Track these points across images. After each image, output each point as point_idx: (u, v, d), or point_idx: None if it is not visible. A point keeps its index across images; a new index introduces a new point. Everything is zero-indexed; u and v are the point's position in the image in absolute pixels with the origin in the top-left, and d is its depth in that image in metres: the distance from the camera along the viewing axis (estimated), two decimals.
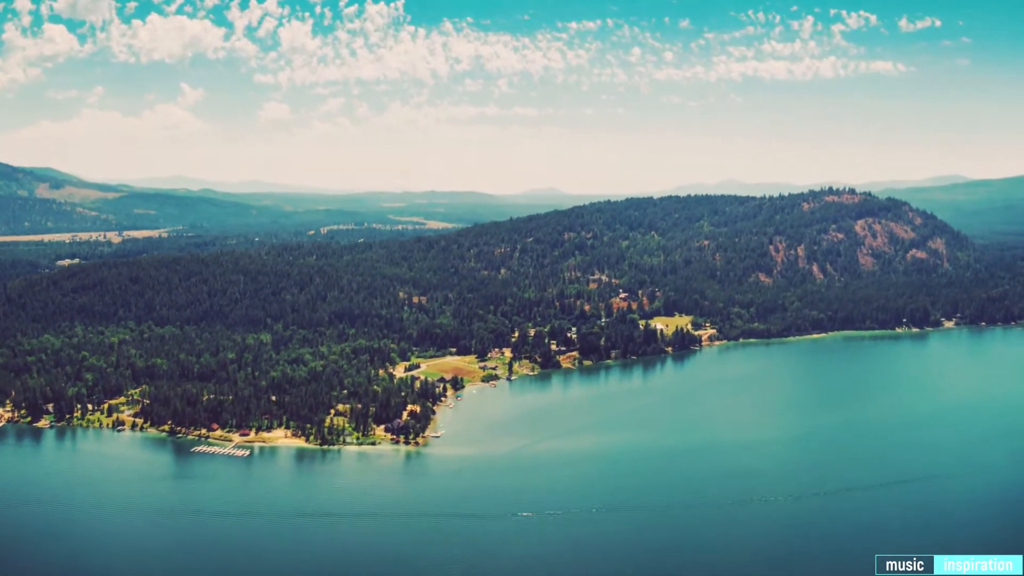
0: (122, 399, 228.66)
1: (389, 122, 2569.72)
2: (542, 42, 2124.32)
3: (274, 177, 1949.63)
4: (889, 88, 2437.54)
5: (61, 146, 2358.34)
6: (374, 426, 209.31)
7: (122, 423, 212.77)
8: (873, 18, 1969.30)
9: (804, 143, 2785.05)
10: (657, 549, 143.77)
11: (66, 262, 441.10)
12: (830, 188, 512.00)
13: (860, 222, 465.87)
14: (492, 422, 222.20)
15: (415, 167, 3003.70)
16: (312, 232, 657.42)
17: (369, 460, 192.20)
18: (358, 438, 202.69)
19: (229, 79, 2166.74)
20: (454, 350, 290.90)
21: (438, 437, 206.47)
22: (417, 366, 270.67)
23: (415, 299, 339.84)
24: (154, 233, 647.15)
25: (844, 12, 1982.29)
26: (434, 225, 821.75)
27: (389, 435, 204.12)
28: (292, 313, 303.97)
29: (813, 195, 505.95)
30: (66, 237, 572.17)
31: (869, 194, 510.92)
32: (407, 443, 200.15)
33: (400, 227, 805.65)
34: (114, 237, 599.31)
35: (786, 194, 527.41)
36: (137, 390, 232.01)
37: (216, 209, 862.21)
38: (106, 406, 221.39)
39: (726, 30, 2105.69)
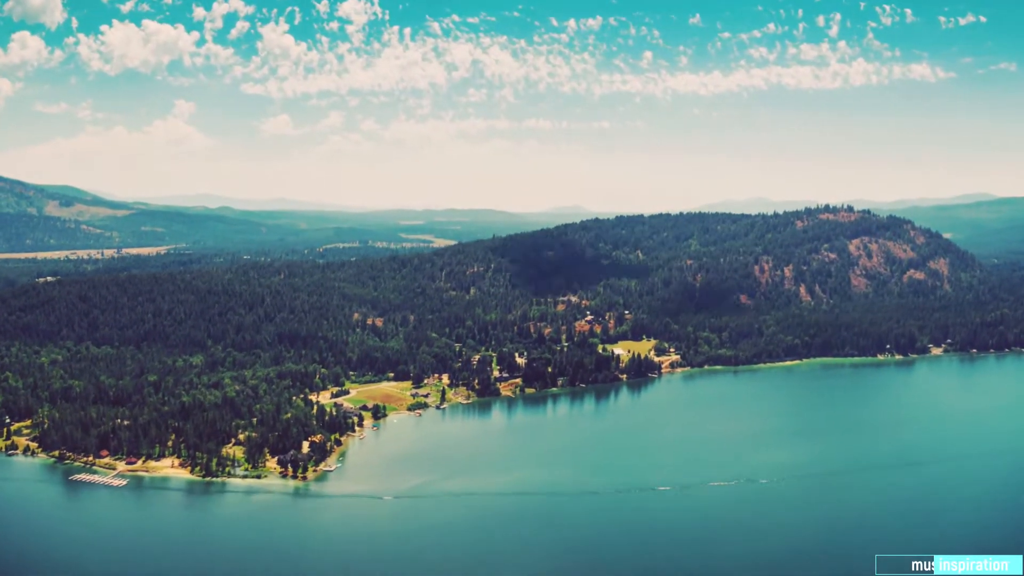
0: (28, 422, 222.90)
1: (399, 137, 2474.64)
2: (542, 46, 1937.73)
3: (299, 195, 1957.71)
4: (925, 97, 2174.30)
5: (80, 164, 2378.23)
6: (269, 457, 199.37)
7: (15, 447, 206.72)
8: (909, 12, 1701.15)
9: (833, 158, 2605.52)
10: None
11: (48, 279, 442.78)
12: (827, 205, 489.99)
13: (855, 241, 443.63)
14: (400, 455, 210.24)
15: (434, 185, 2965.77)
16: (307, 251, 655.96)
17: (226, 495, 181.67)
18: (246, 470, 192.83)
19: (216, 90, 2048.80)
20: (392, 375, 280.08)
21: (331, 471, 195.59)
22: (347, 392, 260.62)
23: (370, 320, 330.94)
24: (155, 250, 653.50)
25: (877, 7, 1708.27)
26: (443, 243, 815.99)
27: (279, 467, 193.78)
28: (235, 334, 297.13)
29: (808, 212, 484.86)
30: (62, 254, 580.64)
31: (868, 212, 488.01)
32: (295, 476, 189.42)
33: (405, 245, 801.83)
34: (112, 254, 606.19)
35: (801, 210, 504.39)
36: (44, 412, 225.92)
37: (225, 226, 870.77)
38: (5, 430, 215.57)
39: (743, 28, 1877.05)
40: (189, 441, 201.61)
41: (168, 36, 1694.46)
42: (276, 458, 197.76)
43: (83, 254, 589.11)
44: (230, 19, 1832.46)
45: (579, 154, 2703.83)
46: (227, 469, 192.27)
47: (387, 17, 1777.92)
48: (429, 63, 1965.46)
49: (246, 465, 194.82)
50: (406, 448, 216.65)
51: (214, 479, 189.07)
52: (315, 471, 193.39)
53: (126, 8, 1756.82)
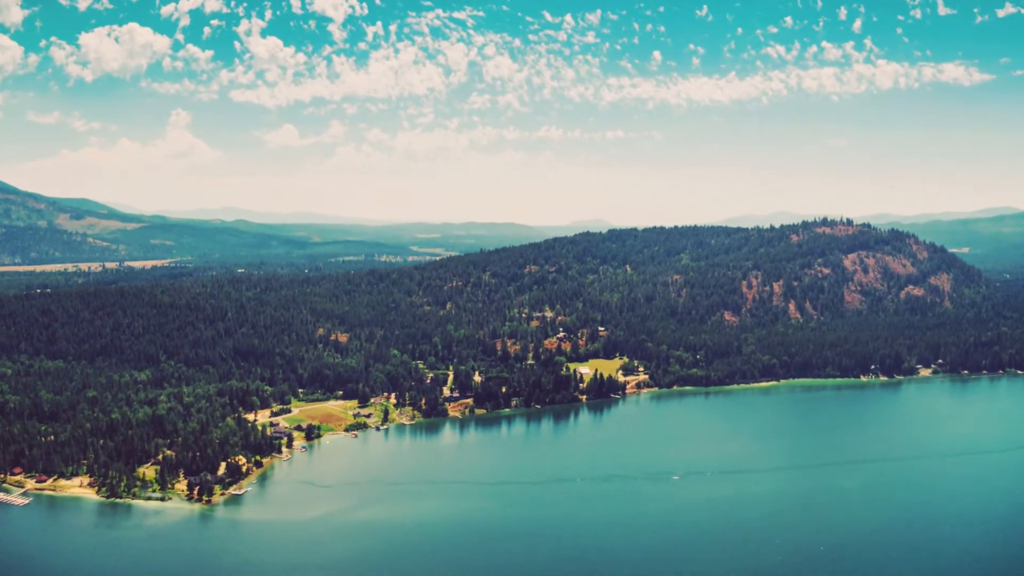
0: None
1: (410, 148, 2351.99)
2: (539, 45, 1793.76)
3: (320, 208, 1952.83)
4: (958, 102, 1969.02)
5: (98, 177, 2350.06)
6: (182, 479, 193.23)
7: None
8: (940, 4, 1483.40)
9: (858, 169, 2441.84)
10: None
11: (29, 292, 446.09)
12: (824, 218, 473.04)
13: (851, 256, 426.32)
14: (319, 480, 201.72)
15: (452, 197, 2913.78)
16: (307, 264, 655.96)
17: (123, 518, 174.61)
18: (153, 491, 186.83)
19: (207, 98, 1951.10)
20: (341, 393, 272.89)
21: (241, 494, 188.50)
22: (289, 411, 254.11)
23: (333, 336, 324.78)
24: (158, 263, 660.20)
25: None
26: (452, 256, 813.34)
27: (187, 490, 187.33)
28: (190, 349, 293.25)
29: (805, 226, 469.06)
30: (63, 267, 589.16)
31: (868, 225, 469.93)
32: (199, 500, 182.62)
33: (411, 259, 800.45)
34: (115, 267, 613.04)
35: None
36: None
37: (236, 239, 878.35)
38: None
39: (758, 23, 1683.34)
40: (100, 460, 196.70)
41: (141, 37, 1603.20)
42: (187, 480, 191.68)
43: (84, 267, 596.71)
44: (198, 16, 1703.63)
45: (596, 166, 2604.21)
46: (134, 490, 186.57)
47: (365, 12, 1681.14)
48: (422, 66, 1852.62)
49: (155, 486, 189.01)
50: (328, 472, 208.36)
51: (118, 500, 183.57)
52: (223, 494, 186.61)
53: (83, 6, 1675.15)
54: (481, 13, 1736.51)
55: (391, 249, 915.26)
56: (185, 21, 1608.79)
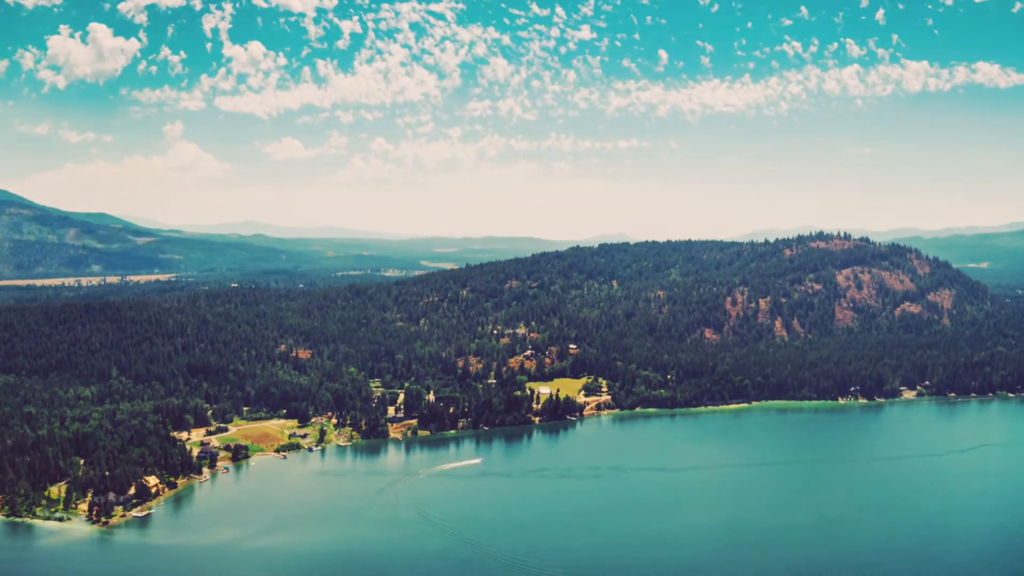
0: None
1: (419, 160, 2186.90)
2: (531, 43, 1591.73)
3: (342, 222, 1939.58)
4: (994, 107, 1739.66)
5: (119, 191, 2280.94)
6: (88, 498, 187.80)
7: None
8: None
9: (885, 181, 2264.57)
10: None
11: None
12: (820, 232, 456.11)
13: (846, 271, 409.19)
14: (233, 502, 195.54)
15: (471, 211, 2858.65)
16: (303, 279, 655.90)
17: (13, 538, 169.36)
18: (55, 511, 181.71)
19: (193, 107, 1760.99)
20: (284, 412, 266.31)
21: (143, 517, 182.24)
22: (226, 430, 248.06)
23: (294, 353, 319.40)
24: (163, 277, 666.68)
25: None
26: None
27: (88, 510, 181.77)
28: (143, 365, 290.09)
29: (800, 240, 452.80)
30: (62, 281, 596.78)
31: (866, 239, 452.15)
32: (96, 521, 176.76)
33: (418, 273, 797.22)
34: (116, 281, 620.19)
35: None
36: None
37: (246, 254, 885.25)
38: None
39: (769, 15, 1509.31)
40: (8, 477, 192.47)
41: (108, 41, 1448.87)
42: (90, 500, 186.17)
43: (85, 281, 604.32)
44: (155, 12, 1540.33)
45: (611, 177, 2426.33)
46: (37, 510, 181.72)
47: (333, 4, 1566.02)
48: (411, 68, 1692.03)
49: (59, 506, 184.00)
50: (243, 495, 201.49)
51: (18, 519, 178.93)
52: (124, 516, 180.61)
53: (30, 4, 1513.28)
54: (462, 6, 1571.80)
55: (400, 263, 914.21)
56: (142, 18, 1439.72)
